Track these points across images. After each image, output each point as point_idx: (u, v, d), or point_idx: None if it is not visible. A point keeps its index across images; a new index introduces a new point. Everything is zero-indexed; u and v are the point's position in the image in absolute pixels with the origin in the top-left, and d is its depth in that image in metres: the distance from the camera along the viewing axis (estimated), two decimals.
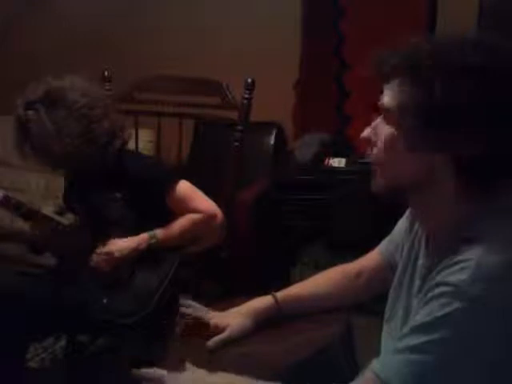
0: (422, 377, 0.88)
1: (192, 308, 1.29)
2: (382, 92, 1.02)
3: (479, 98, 0.92)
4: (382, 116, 1.02)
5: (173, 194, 1.87)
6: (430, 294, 0.92)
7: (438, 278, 0.92)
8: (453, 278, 0.89)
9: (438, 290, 0.91)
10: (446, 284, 0.90)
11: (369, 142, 1.03)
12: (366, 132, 1.04)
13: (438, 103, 0.92)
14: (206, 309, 1.30)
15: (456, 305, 0.87)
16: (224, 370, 1.06)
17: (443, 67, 0.93)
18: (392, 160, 1.00)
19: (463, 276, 0.88)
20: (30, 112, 1.78)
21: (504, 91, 0.93)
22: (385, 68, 1.00)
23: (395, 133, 0.98)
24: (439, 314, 0.88)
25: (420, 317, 0.92)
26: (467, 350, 0.87)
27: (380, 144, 1.01)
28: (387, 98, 1.00)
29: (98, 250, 1.84)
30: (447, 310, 0.88)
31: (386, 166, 1.01)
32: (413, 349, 0.89)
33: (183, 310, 1.28)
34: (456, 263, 0.90)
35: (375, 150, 1.02)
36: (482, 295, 0.86)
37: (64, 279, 1.87)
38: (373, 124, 1.04)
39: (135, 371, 1.08)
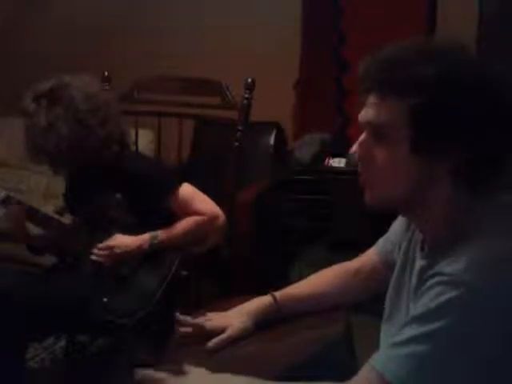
0: (419, 368, 0.88)
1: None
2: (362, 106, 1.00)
3: (475, 99, 0.92)
4: (367, 132, 0.99)
5: (175, 196, 1.88)
6: (426, 285, 0.92)
7: (434, 270, 0.92)
8: (448, 268, 0.89)
9: (433, 281, 0.91)
10: (442, 274, 0.90)
11: (358, 158, 1.01)
12: (355, 149, 1.01)
13: (436, 111, 0.92)
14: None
15: (451, 293, 0.87)
16: (223, 370, 1.05)
17: (437, 75, 0.92)
18: (391, 177, 0.98)
19: (458, 265, 0.88)
20: (33, 105, 1.79)
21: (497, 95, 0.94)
22: (367, 81, 0.98)
23: (394, 149, 0.96)
24: (434, 304, 0.88)
25: (416, 309, 0.91)
26: (464, 340, 0.86)
27: (376, 163, 0.98)
28: (375, 114, 0.97)
29: (100, 244, 1.84)
30: (442, 299, 0.87)
31: (384, 183, 0.99)
32: (409, 341, 0.89)
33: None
34: (451, 255, 0.91)
35: (368, 169, 1.00)
36: (477, 283, 0.86)
37: (64, 279, 1.87)
38: (360, 140, 1.01)
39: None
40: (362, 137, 1.00)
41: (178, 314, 1.27)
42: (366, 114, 0.99)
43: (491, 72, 0.96)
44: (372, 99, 0.98)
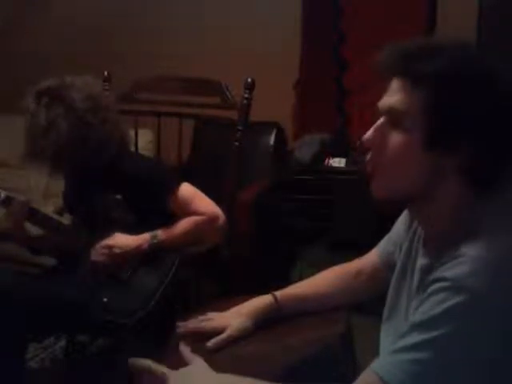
0: (422, 374, 0.87)
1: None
2: (381, 92, 1.01)
3: (485, 96, 0.93)
4: (385, 118, 0.99)
5: (175, 196, 1.87)
6: (428, 291, 0.91)
7: (436, 275, 0.92)
8: (450, 273, 0.88)
9: (435, 286, 0.90)
10: (444, 279, 0.89)
11: (371, 144, 1.00)
12: (370, 134, 1.00)
13: (452, 103, 0.93)
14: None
15: (454, 300, 0.86)
16: (223, 370, 1.05)
17: (453, 68, 0.93)
18: (401, 166, 0.97)
19: (461, 270, 0.87)
20: (33, 104, 1.79)
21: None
22: (391, 67, 0.98)
23: (408, 137, 0.95)
24: (437, 310, 0.87)
25: (418, 315, 0.91)
26: (466, 347, 0.86)
27: (388, 150, 0.97)
28: (396, 100, 0.97)
29: (99, 243, 1.84)
30: (445, 305, 0.87)
31: (393, 172, 0.98)
32: (411, 347, 0.88)
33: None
34: (454, 258, 0.90)
35: (380, 156, 0.99)
36: (480, 289, 0.86)
37: (64, 279, 1.87)
38: (376, 126, 1.00)
39: (134, 362, 1.06)
40: (379, 122, 1.00)
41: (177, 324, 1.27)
42: (388, 99, 0.99)
43: (499, 67, 0.96)
44: (395, 85, 0.98)
